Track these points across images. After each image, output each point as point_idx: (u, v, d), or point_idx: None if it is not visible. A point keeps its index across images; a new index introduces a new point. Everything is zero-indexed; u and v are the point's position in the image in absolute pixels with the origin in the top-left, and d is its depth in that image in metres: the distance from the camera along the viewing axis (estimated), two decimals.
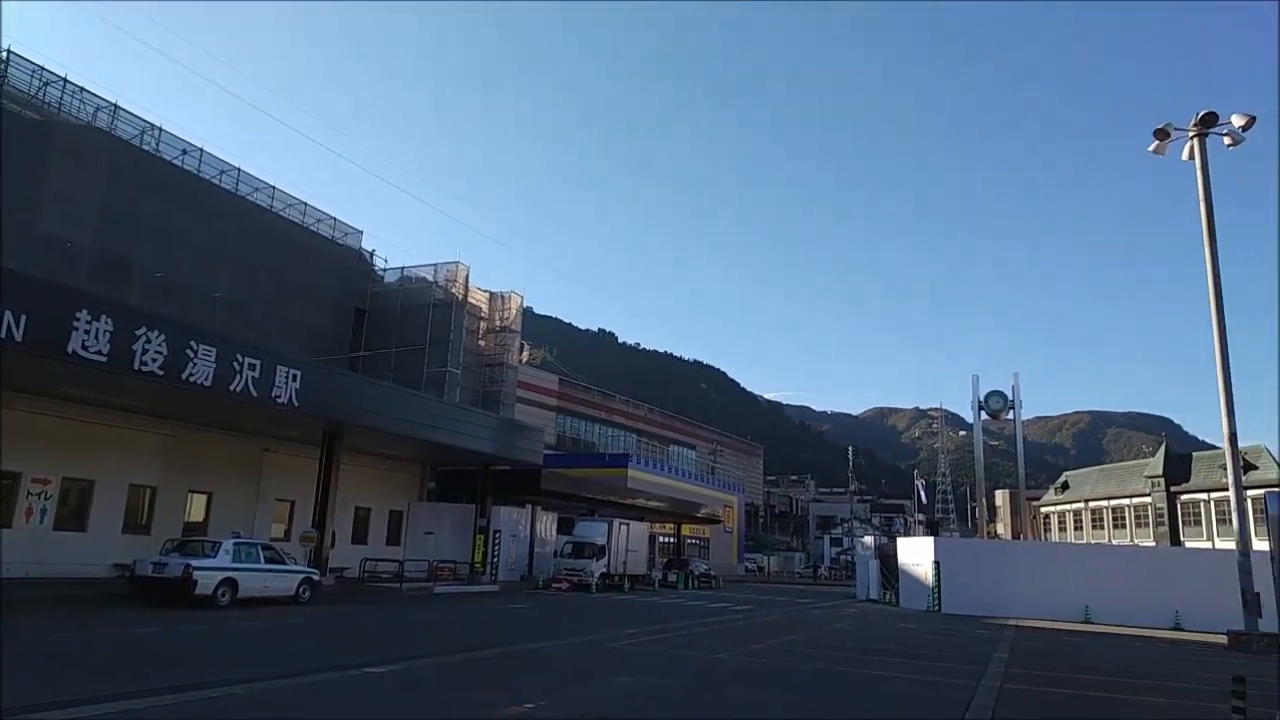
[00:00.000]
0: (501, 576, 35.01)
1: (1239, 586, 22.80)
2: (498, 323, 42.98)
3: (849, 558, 72.98)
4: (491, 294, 43.26)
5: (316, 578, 22.98)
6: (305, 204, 36.27)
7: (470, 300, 40.65)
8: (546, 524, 41.04)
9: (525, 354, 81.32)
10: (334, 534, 28.99)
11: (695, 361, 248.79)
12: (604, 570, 35.35)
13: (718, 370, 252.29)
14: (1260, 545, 26.73)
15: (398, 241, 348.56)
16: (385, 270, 40.70)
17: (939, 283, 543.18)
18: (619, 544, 37.13)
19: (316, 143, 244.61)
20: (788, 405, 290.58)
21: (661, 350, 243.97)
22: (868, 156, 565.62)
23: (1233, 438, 23.75)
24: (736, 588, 48.82)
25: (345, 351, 36.29)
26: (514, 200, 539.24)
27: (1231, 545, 25.01)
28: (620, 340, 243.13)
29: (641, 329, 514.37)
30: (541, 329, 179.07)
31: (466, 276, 39.73)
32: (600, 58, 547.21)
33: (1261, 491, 54.61)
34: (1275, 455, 59.94)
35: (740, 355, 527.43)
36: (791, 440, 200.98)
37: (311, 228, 36.31)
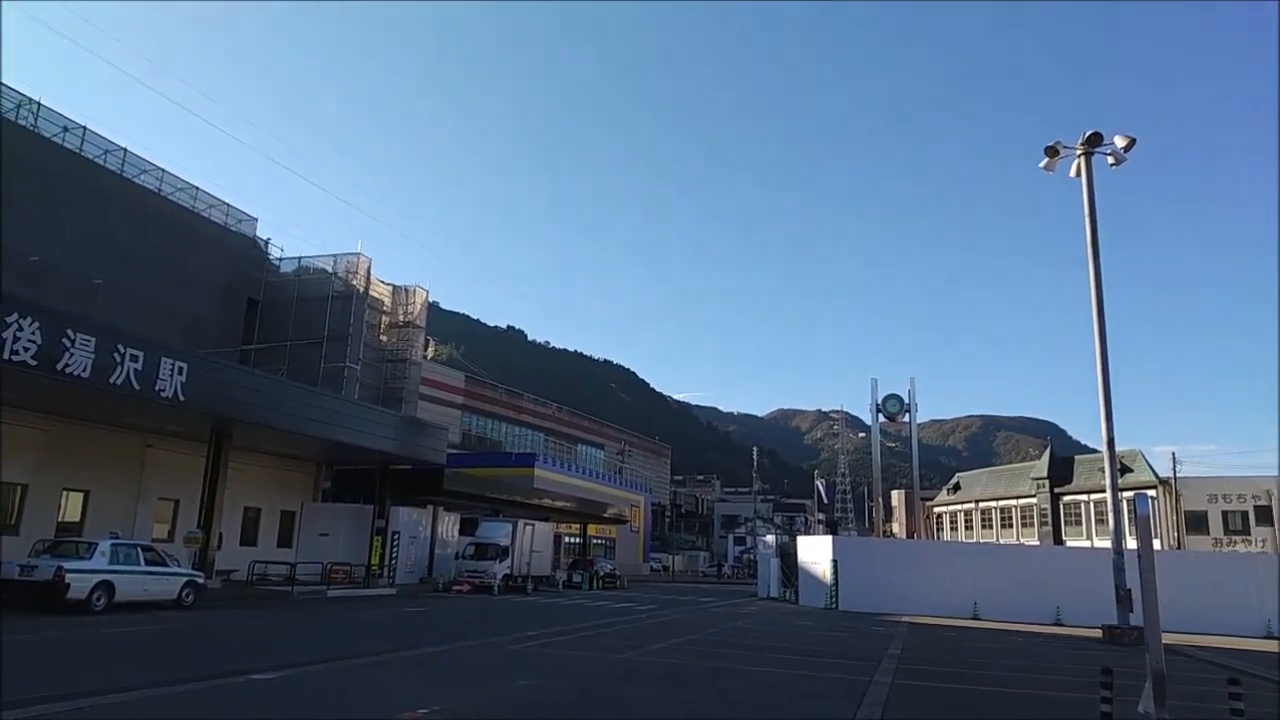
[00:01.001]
0: (400, 579, 34.19)
1: (1113, 583, 24.21)
2: (401, 317, 41.99)
3: (751, 556, 74.35)
4: (395, 287, 42.24)
5: (201, 581, 21.95)
6: (196, 188, 34.62)
7: (372, 293, 39.60)
8: (448, 525, 40.29)
9: (430, 350, 79.87)
10: (221, 535, 27.77)
11: (605, 361, 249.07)
12: (507, 572, 34.93)
13: (628, 370, 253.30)
14: (1134, 544, 28.38)
15: (302, 233, 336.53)
16: (281, 260, 39.21)
17: (842, 287, 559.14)
18: (523, 545, 36.77)
19: (213, 126, 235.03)
20: (696, 406, 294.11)
21: (572, 349, 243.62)
22: (778, 161, 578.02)
23: (1110, 443, 25.18)
24: (641, 587, 49.03)
25: (237, 344, 34.80)
26: (423, 194, 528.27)
27: (1109, 544, 26.49)
28: (530, 338, 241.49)
29: (551, 327, 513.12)
30: (448, 325, 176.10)
31: (368, 268, 38.66)
32: (516, 52, 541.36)
33: (1138, 494, 58.18)
34: (1149, 460, 64.05)
35: (651, 356, 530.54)
36: (699, 440, 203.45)
37: (203, 213, 34.66)
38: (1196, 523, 58.77)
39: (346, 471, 37.50)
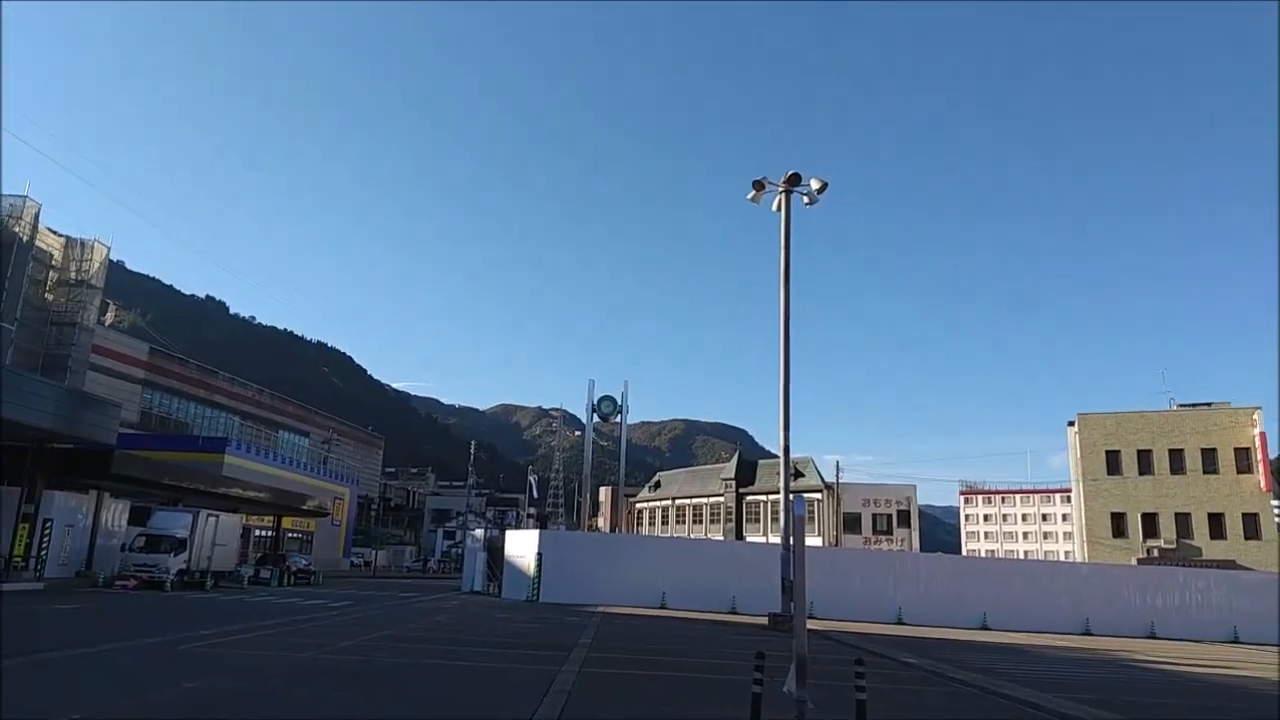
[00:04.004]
0: (51, 573, 29.98)
1: (780, 575, 27.10)
2: (74, 274, 36.83)
3: (460, 551, 73.80)
4: (69, 240, 36.95)
5: None
6: None
7: (39, 244, 34.42)
8: (115, 513, 35.89)
9: (109, 315, 70.91)
10: None
11: (319, 343, 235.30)
12: (183, 566, 31.83)
13: (344, 354, 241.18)
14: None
15: None
16: None
17: (570, 290, 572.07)
18: (205, 537, 33.71)
19: None
20: (416, 396, 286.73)
21: (281, 327, 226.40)
22: (511, 159, 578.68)
23: (786, 450, 28.21)
24: (339, 584, 46.89)
25: None
26: (112, 142, 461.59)
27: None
28: (233, 311, 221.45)
29: (259, 301, 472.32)
30: (134, 289, 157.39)
31: (36, 215, 33.50)
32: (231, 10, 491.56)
33: (806, 496, 65.58)
34: (819, 467, 72.46)
35: (371, 341, 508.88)
36: (417, 432, 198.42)
37: None
38: (852, 523, 67.50)
39: None
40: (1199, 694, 16.72)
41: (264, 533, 54.05)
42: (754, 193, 28.54)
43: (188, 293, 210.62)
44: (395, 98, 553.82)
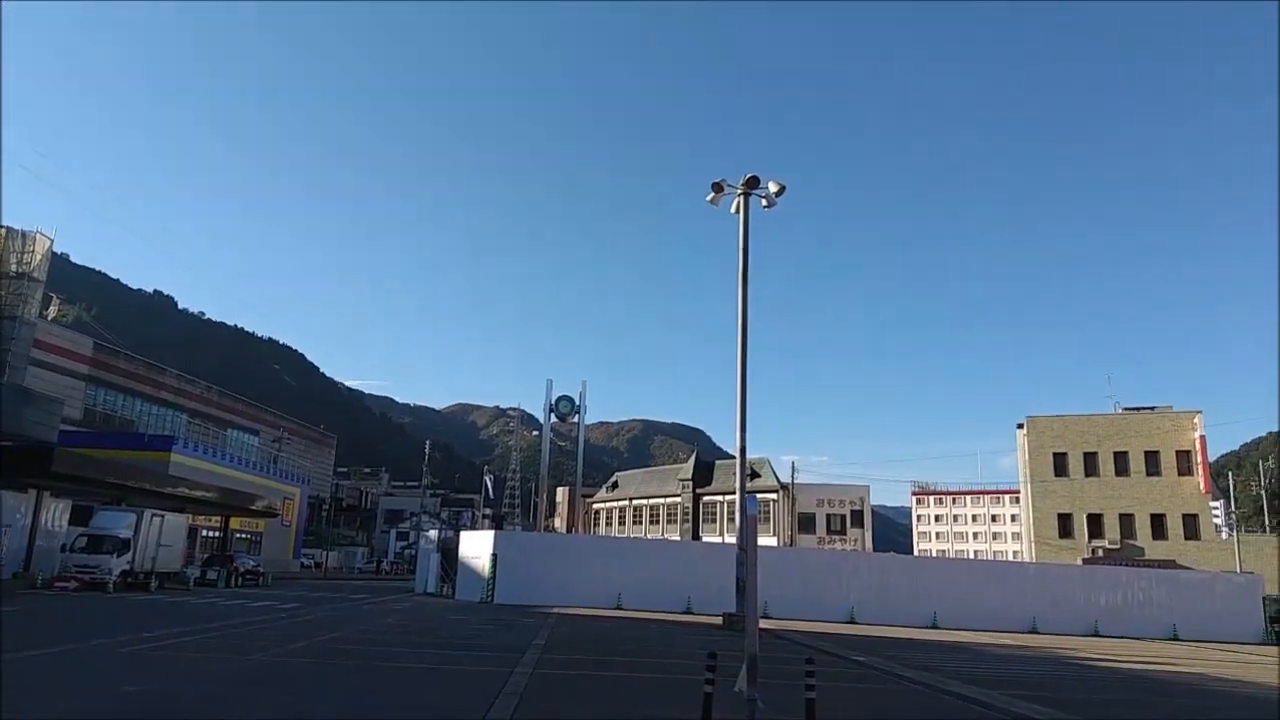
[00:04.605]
0: None
1: (736, 575, 27.25)
2: (14, 267, 35.74)
3: (414, 552, 73.03)
4: (9, 230, 35.83)
5: None
6: None
7: None
8: (55, 513, 34.87)
9: (52, 309, 68.98)
10: None
11: (270, 340, 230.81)
12: (127, 567, 31.05)
13: (296, 351, 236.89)
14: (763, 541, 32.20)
15: None
16: None
17: (528, 286, 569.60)
18: (149, 538, 32.93)
19: None
20: (370, 395, 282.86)
21: (231, 323, 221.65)
22: (465, 159, 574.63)
23: (742, 450, 28.35)
24: (288, 585, 46.09)
25: None
26: (59, 129, 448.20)
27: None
28: (181, 306, 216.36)
29: (208, 297, 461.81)
30: (79, 283, 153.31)
31: None
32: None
33: (762, 496, 66.09)
34: (774, 467, 73.01)
35: (324, 339, 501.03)
36: (370, 431, 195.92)
37: None
38: (807, 523, 68.15)
39: None
40: (1145, 690, 17.17)
41: (211, 533, 52.89)
42: (713, 194, 28.54)
43: (135, 287, 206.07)
44: (345, 93, 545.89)
